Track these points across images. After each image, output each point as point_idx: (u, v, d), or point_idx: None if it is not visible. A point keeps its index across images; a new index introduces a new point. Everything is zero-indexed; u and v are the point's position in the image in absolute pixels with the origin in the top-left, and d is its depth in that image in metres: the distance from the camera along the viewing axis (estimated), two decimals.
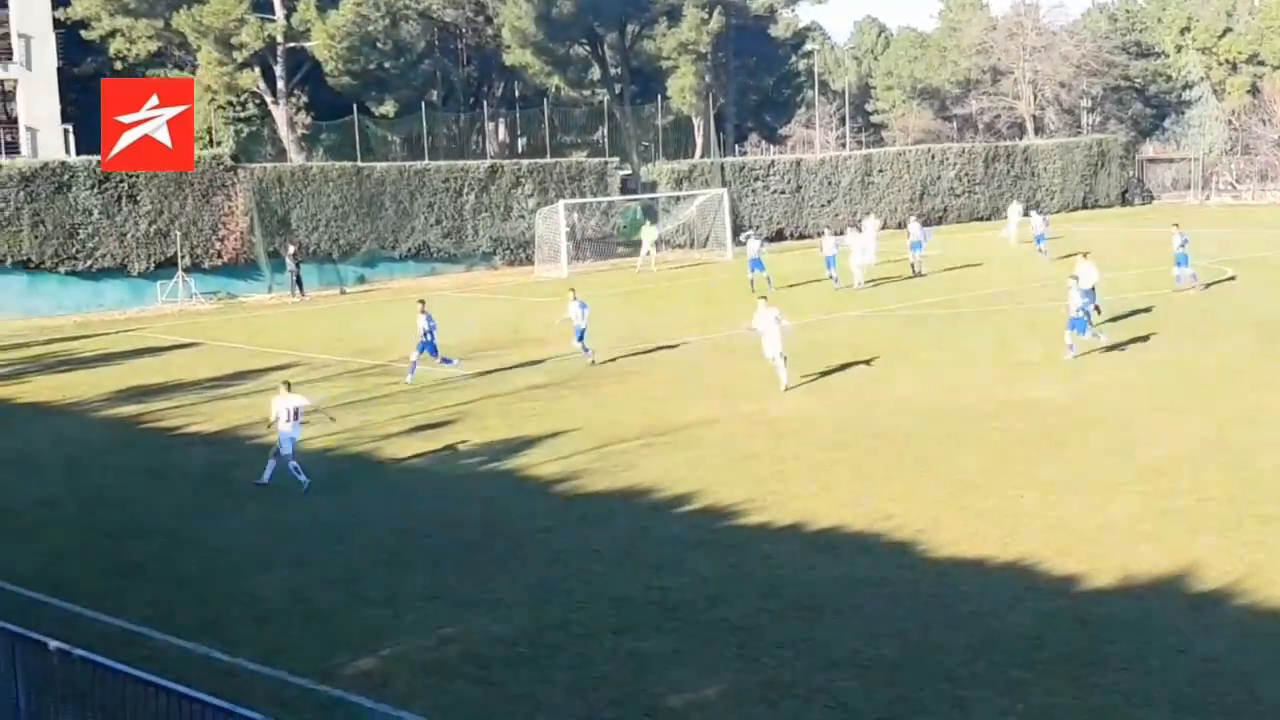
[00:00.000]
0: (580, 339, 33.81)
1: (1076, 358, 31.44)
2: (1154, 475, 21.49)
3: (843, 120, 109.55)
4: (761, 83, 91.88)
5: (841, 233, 53.19)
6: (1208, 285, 43.90)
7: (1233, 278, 46.29)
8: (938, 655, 14.71)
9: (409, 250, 59.00)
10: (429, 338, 32.10)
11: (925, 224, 58.68)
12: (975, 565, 17.67)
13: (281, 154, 69.82)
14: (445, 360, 32.26)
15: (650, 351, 35.98)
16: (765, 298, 32.20)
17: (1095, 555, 17.71)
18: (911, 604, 16.32)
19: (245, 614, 16.98)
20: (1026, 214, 60.68)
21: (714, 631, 15.68)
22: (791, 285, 48.89)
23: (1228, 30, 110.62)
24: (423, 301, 33.57)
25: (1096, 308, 35.19)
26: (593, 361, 33.56)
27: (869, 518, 19.82)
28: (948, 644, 15.01)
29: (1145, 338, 34.66)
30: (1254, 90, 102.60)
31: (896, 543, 18.71)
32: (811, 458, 23.51)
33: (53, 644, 12.02)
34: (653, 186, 69.22)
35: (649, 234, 60.29)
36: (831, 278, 48.18)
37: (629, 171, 74.44)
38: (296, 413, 22.85)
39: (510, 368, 33.73)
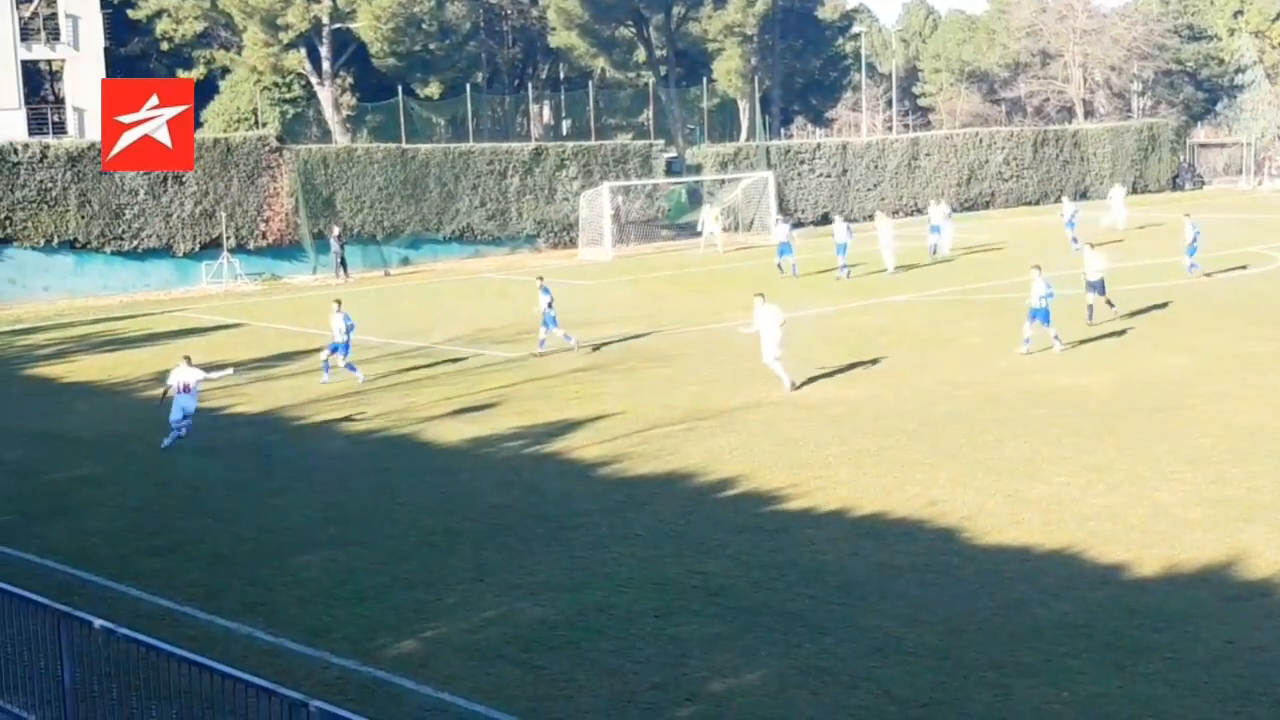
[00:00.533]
0: (553, 325, 33.34)
1: (1030, 353, 30.62)
2: (1203, 464, 21.27)
3: (890, 103, 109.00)
4: (808, 65, 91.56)
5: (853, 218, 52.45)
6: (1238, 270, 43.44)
7: (1241, 267, 45.82)
8: (982, 642, 14.60)
9: (453, 232, 59.06)
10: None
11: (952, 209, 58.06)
12: (1020, 553, 17.53)
13: (326, 135, 70.08)
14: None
15: (695, 335, 35.88)
16: (763, 294, 29.03)
17: (1142, 544, 17.54)
18: (956, 591, 16.21)
19: (288, 594, 17.03)
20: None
21: (756, 616, 15.62)
22: (825, 271, 48.70)
23: None
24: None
25: (1109, 301, 34.57)
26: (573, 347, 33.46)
27: (913, 504, 19.70)
28: (992, 631, 14.90)
29: (1187, 327, 34.31)
30: None
31: (941, 529, 18.59)
32: (856, 444, 23.39)
33: (98, 622, 12.08)
34: (698, 169, 69.05)
35: (709, 214, 59.79)
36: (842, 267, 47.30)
37: (674, 154, 74.37)
38: (189, 387, 24.81)
39: (552, 352, 33.68)
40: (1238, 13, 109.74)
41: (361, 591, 17.02)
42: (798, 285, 45.39)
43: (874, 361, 31.06)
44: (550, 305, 33.11)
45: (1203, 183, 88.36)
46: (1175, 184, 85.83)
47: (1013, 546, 17.77)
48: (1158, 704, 13.04)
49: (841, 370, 30.02)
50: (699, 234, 59.74)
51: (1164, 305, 37.56)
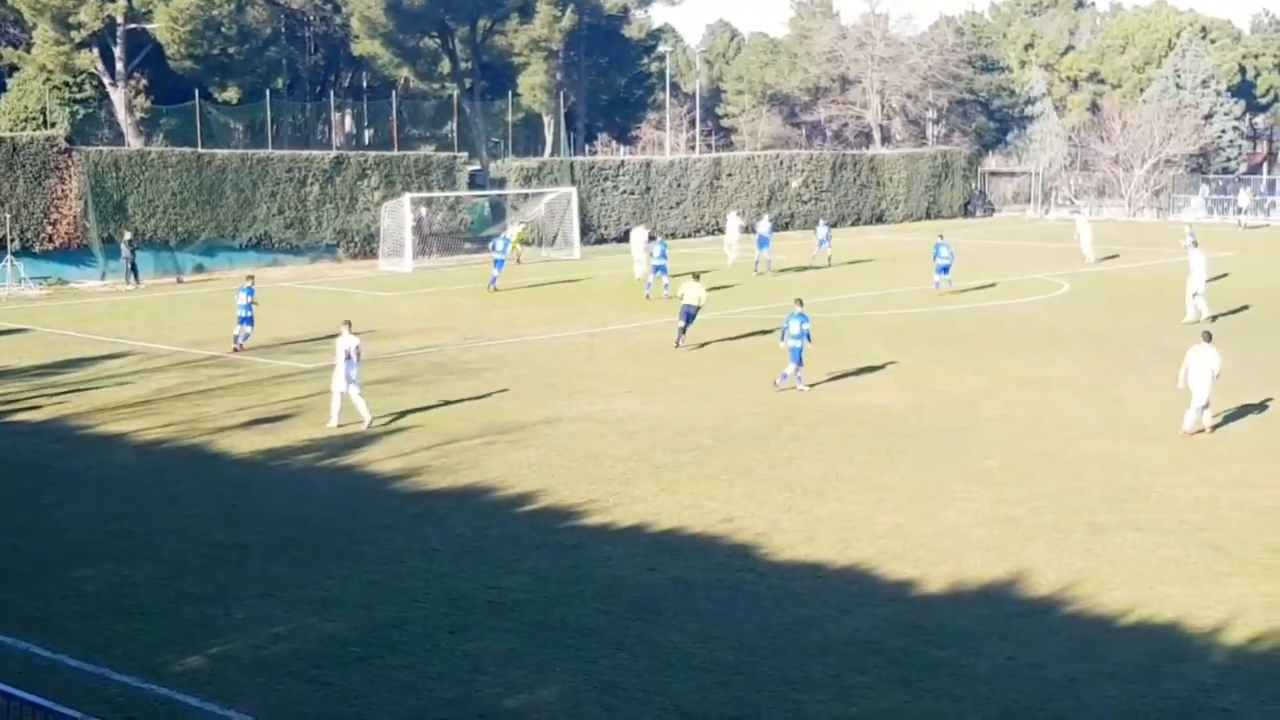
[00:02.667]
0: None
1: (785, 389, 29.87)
2: (988, 484, 21.84)
3: (693, 123, 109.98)
4: (613, 82, 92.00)
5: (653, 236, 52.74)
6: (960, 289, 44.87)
7: (991, 285, 47.36)
8: (774, 658, 14.76)
9: (250, 240, 57.91)
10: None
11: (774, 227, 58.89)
12: (812, 569, 17.78)
13: (119, 138, 68.11)
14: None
15: (495, 349, 35.72)
16: (349, 321, 27.06)
17: (929, 562, 17.94)
18: (750, 607, 16.36)
19: (69, 609, 16.47)
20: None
21: (552, 632, 15.56)
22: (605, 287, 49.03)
23: (1070, 48, 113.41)
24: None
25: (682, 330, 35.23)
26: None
27: (709, 520, 19.86)
28: (784, 647, 15.07)
29: (980, 350, 35.27)
30: (1094, 107, 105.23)
31: (736, 545, 18.76)
32: (655, 459, 23.50)
33: None
34: (501, 183, 68.87)
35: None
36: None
37: (478, 167, 74.03)
38: None
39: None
40: (1029, 46, 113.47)
41: (145, 606, 16.53)
42: (604, 299, 45.55)
43: (675, 376, 31.26)
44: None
45: (993, 210, 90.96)
46: (967, 211, 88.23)
47: (805, 563, 18.02)
48: (942, 718, 13.31)
49: (643, 386, 30.16)
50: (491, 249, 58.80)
51: (958, 329, 38.55)
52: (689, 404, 28.29)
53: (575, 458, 23.71)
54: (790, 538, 19.01)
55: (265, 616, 16.20)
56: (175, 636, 15.50)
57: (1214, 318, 39.35)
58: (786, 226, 73.51)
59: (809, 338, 29.43)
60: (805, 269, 54.20)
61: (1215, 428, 25.76)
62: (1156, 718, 13.32)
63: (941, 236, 48.90)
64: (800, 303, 30.56)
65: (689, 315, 35.46)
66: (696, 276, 36.60)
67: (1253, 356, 32.78)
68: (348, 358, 26.02)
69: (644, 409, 27.79)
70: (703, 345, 35.46)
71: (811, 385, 29.77)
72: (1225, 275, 49.67)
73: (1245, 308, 42.75)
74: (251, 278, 36.96)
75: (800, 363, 29.44)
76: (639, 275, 50.52)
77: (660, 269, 46.55)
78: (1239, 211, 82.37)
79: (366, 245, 60.48)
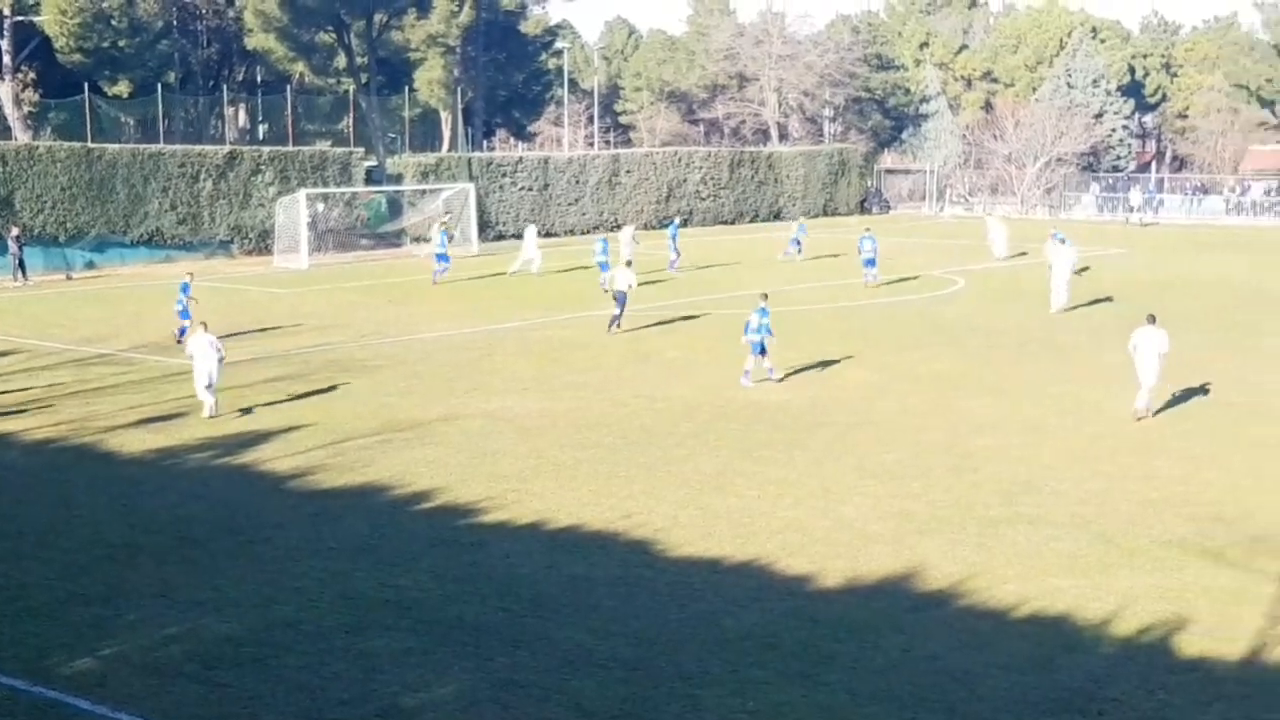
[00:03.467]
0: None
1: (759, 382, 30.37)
2: (886, 478, 22.04)
3: (591, 120, 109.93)
4: (511, 79, 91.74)
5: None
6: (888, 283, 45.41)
7: (915, 277, 47.94)
8: (672, 653, 14.78)
9: (142, 236, 57.09)
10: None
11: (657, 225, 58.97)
12: (711, 564, 17.83)
13: (6, 132, 66.81)
14: None
15: (392, 346, 35.48)
16: (204, 323, 27.90)
17: (826, 556, 18.06)
18: (648, 603, 16.37)
19: None
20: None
21: (449, 630, 15.47)
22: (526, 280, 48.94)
23: (964, 47, 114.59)
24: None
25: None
26: None
27: (608, 517, 19.85)
28: (682, 642, 15.09)
29: (878, 345, 35.59)
30: (987, 106, 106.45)
31: (635, 541, 18.77)
32: (554, 456, 23.45)
33: None
34: (398, 179, 68.42)
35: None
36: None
37: (374, 163, 73.44)
38: None
39: (245, 360, 32.84)
40: (923, 45, 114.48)
41: (34, 608, 16.22)
42: (502, 296, 45.41)
43: (571, 373, 31.23)
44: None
45: (889, 207, 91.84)
46: (863, 208, 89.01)
47: (704, 558, 18.06)
48: (839, 711, 13.40)
49: (541, 383, 30.10)
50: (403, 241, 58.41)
51: (857, 324, 38.86)
52: (587, 401, 28.26)
53: (473, 455, 23.60)
54: (688, 533, 19.06)
55: (158, 617, 15.95)
56: (65, 638, 15.22)
57: (1073, 308, 40.24)
58: (685, 224, 73.68)
59: (769, 331, 29.79)
60: (705, 268, 54.27)
61: (1156, 412, 26.56)
62: (1049, 708, 13.50)
63: (868, 230, 49.48)
64: (765, 297, 30.92)
65: (622, 301, 37.40)
66: (628, 264, 38.89)
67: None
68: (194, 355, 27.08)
69: (542, 406, 27.73)
70: (632, 330, 35.46)
71: (783, 377, 30.36)
72: (1087, 268, 50.59)
73: (1108, 299, 43.55)
74: (191, 275, 37.68)
75: (764, 353, 29.84)
76: (536, 270, 52.04)
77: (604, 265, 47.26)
78: (1130, 210, 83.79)
79: (261, 241, 59.82)
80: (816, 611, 16.16)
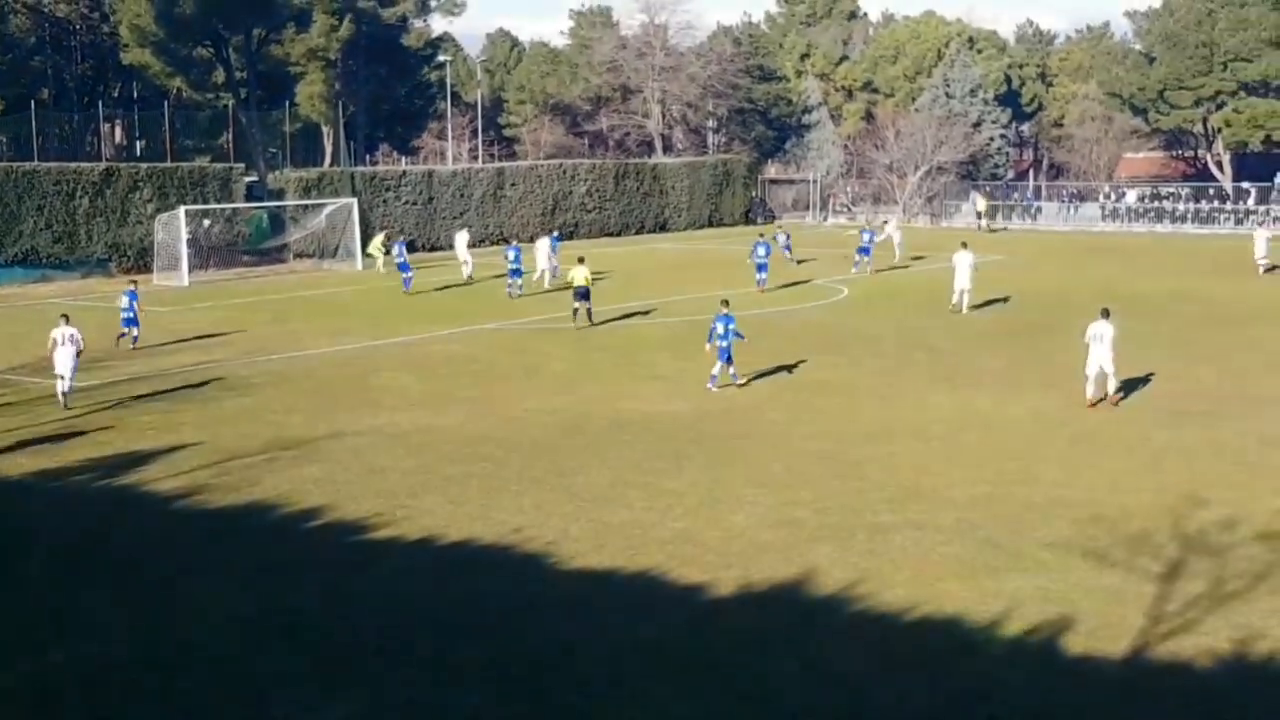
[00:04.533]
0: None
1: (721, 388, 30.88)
2: (774, 487, 22.16)
3: (475, 133, 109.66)
4: (393, 92, 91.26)
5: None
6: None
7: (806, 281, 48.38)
8: (564, 668, 14.74)
9: (16, 255, 56.01)
10: None
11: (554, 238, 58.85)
12: (603, 577, 17.82)
13: None
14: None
15: (276, 364, 35.08)
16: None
17: (718, 565, 18.11)
18: (540, 617, 16.31)
19: None
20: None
21: (339, 651, 15.31)
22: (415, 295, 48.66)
23: (844, 58, 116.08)
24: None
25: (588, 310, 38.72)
26: None
27: (499, 531, 19.77)
28: (575, 657, 15.05)
29: (764, 355, 35.80)
30: (868, 116, 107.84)
31: (526, 556, 18.70)
32: (442, 471, 23.31)
33: None
34: (280, 194, 67.74)
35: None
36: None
37: (255, 178, 72.65)
38: None
39: (125, 380, 32.31)
40: (804, 56, 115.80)
41: None
42: (386, 311, 45.11)
43: (459, 387, 31.07)
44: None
45: (774, 217, 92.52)
46: (748, 218, 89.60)
47: (596, 571, 18.04)
48: None
49: (429, 398, 29.91)
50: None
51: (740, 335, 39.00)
52: (476, 416, 28.14)
53: (360, 472, 23.40)
54: (579, 546, 19.03)
55: (39, 645, 15.62)
56: None
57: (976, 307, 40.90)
58: (571, 235, 73.67)
59: (740, 335, 30.63)
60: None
61: (1120, 397, 28.35)
62: (939, 711, 13.65)
63: (761, 235, 50.52)
64: (726, 304, 31.48)
65: (582, 294, 40.60)
66: (581, 260, 41.81)
67: (1037, 351, 33.95)
68: (60, 345, 29.23)
69: (430, 421, 27.56)
70: (517, 341, 35.33)
71: (746, 380, 31.06)
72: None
73: (1006, 299, 44.25)
74: (135, 282, 40.29)
75: (730, 360, 30.51)
76: (466, 275, 54.45)
77: (516, 272, 49.24)
78: (977, 216, 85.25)
79: (140, 259, 58.90)
80: (709, 622, 16.21)
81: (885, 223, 66.07)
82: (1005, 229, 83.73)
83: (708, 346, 30.77)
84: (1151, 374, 31.33)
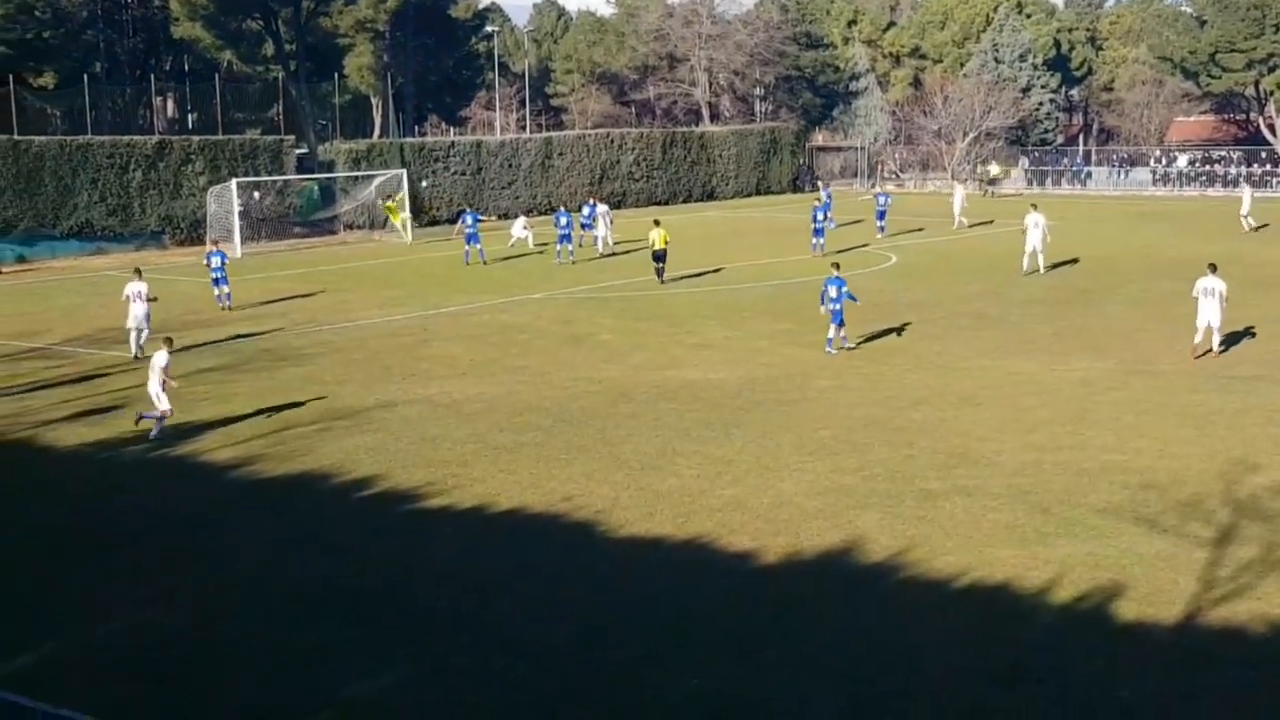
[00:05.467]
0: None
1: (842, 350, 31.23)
2: (822, 454, 22.19)
3: (523, 103, 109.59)
4: (441, 63, 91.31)
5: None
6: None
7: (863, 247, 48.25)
8: (615, 635, 14.86)
9: (71, 228, 56.48)
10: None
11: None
12: (653, 545, 17.92)
13: None
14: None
15: (328, 334, 35.32)
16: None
17: (767, 532, 18.18)
18: (591, 585, 16.44)
19: None
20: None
21: (392, 618, 15.48)
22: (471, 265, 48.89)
23: (891, 24, 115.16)
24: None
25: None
26: None
27: (549, 500, 19.89)
28: (626, 623, 15.18)
29: (811, 322, 35.76)
30: (916, 83, 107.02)
31: (576, 524, 18.82)
32: (494, 440, 23.45)
33: None
34: (330, 166, 67.99)
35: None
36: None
37: (305, 150, 72.93)
38: None
39: (181, 350, 32.61)
40: (851, 22, 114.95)
41: None
42: (437, 281, 45.31)
43: (510, 357, 31.21)
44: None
45: (818, 181, 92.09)
46: (795, 186, 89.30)
47: (645, 539, 18.14)
48: (782, 688, 13.52)
49: (479, 367, 30.07)
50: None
51: (789, 302, 39.01)
52: (526, 385, 28.27)
53: (412, 441, 23.58)
54: (629, 514, 19.13)
55: (98, 613, 15.86)
56: (5, 636, 15.11)
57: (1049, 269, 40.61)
58: (619, 205, 73.64)
59: (853, 297, 31.13)
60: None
61: (1222, 350, 29.33)
62: (989, 677, 13.68)
63: (819, 200, 53.26)
64: (837, 266, 32.01)
65: (659, 256, 43.15)
66: (657, 222, 44.02)
67: (1087, 317, 33.80)
68: (134, 300, 32.11)
69: (481, 391, 27.71)
70: (563, 311, 35.47)
71: (856, 344, 31.54)
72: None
73: (1074, 260, 44.02)
74: (216, 242, 44.19)
75: (841, 324, 30.97)
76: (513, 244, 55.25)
77: (472, 237, 50.59)
78: (989, 181, 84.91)
79: (193, 231, 59.31)
80: (757, 588, 16.29)
81: (953, 191, 65.90)
82: (1020, 194, 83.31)
83: (821, 310, 31.48)
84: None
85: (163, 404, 24.20)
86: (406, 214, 60.98)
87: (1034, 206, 45.81)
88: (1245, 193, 61.00)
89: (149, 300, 32.49)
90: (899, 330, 34.01)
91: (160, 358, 24.50)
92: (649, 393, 27.22)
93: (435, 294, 42.43)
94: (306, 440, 23.74)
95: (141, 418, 24.58)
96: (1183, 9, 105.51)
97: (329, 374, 29.91)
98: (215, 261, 39.82)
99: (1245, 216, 58.32)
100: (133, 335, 32.14)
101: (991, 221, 62.02)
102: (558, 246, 50.12)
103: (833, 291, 30.88)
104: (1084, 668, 13.86)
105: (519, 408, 26.01)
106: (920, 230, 59.24)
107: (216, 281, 39.67)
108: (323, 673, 14.03)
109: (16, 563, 17.70)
